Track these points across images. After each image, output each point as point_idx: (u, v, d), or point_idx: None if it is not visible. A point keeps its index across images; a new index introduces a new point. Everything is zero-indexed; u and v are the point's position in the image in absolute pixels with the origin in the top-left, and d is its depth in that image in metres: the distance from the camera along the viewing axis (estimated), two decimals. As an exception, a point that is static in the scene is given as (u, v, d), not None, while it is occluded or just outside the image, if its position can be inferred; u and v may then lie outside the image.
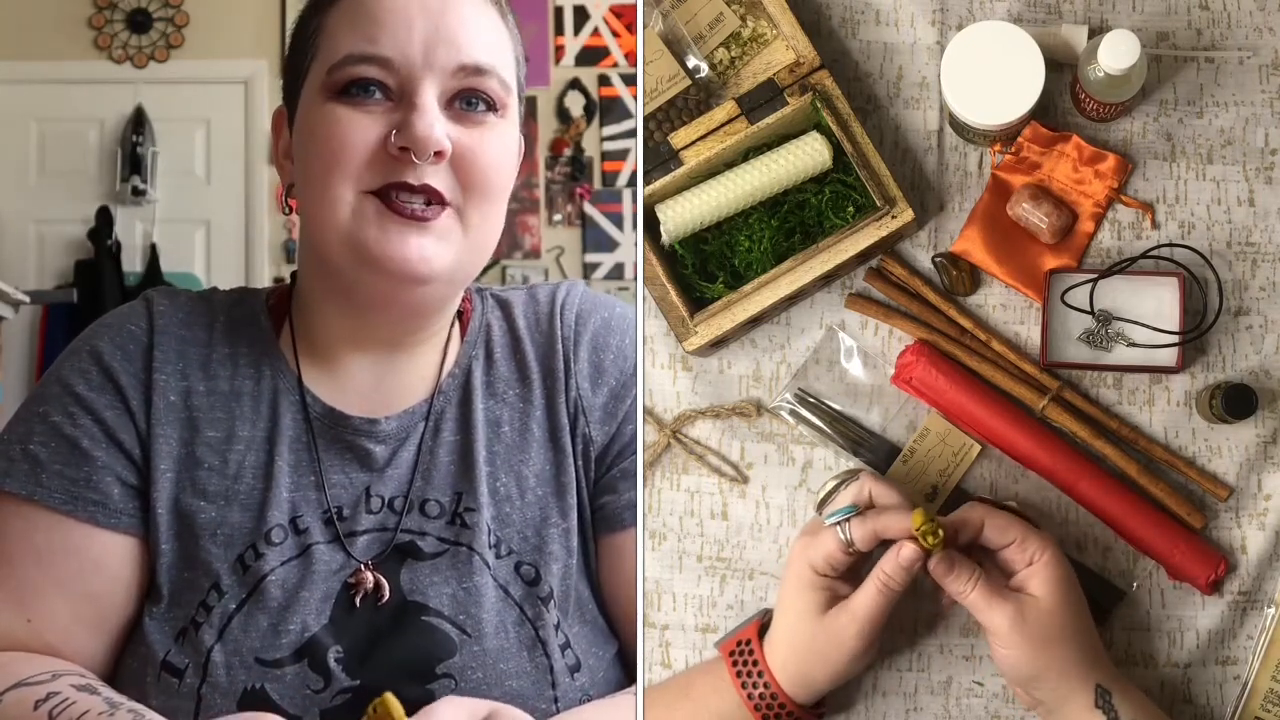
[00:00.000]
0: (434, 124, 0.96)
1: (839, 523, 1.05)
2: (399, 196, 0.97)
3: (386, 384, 1.07)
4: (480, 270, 1.06)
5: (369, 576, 1.00)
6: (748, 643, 1.09)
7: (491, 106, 1.00)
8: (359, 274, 1.00)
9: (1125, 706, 1.04)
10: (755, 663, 1.08)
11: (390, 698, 0.84)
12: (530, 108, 3.89)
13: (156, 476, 1.01)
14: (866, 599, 1.05)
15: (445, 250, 0.99)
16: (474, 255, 1.02)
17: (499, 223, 1.04)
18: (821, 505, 1.12)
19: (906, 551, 1.03)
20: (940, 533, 1.03)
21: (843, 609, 1.06)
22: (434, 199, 0.98)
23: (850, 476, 1.12)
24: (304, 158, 1.01)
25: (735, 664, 1.09)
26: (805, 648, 1.07)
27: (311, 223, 1.01)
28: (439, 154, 0.96)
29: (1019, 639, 1.03)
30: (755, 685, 1.07)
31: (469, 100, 0.99)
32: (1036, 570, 1.05)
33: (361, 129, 0.97)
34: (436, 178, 0.97)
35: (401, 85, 0.97)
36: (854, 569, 1.08)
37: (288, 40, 1.06)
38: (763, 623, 1.12)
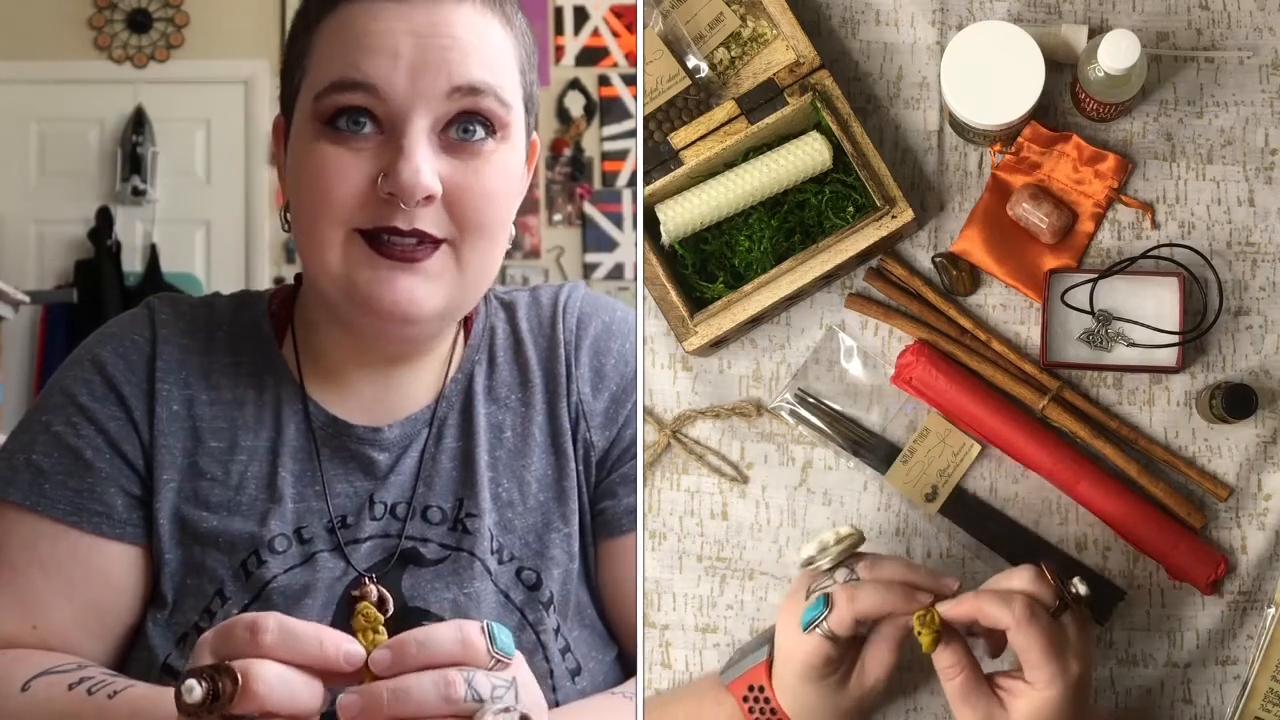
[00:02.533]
0: (420, 169, 0.92)
1: (815, 625, 1.00)
2: (390, 239, 0.94)
3: (390, 392, 1.06)
4: (479, 298, 1.04)
5: (373, 590, 0.99)
6: (761, 689, 1.06)
7: (490, 129, 0.96)
8: (351, 311, 0.99)
9: None
10: (774, 711, 1.05)
11: (365, 605, 0.83)
12: (530, 108, 3.89)
13: (160, 487, 1.00)
14: (884, 662, 1.03)
15: (437, 291, 0.96)
16: (469, 291, 1.00)
17: (498, 256, 1.01)
18: (808, 564, 1.05)
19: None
20: (939, 633, 0.98)
21: (861, 681, 1.03)
22: (426, 239, 0.95)
23: (840, 544, 1.03)
24: (295, 192, 0.98)
25: (751, 710, 1.06)
26: (832, 714, 1.05)
27: (305, 259, 0.99)
28: (429, 198, 0.93)
29: None
30: None
31: (465, 126, 0.95)
32: (1030, 695, 0.97)
33: (350, 172, 0.93)
34: (428, 220, 0.94)
35: (390, 115, 0.93)
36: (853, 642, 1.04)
37: (282, 52, 1.01)
38: (770, 661, 1.08)
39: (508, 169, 0.98)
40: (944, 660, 0.99)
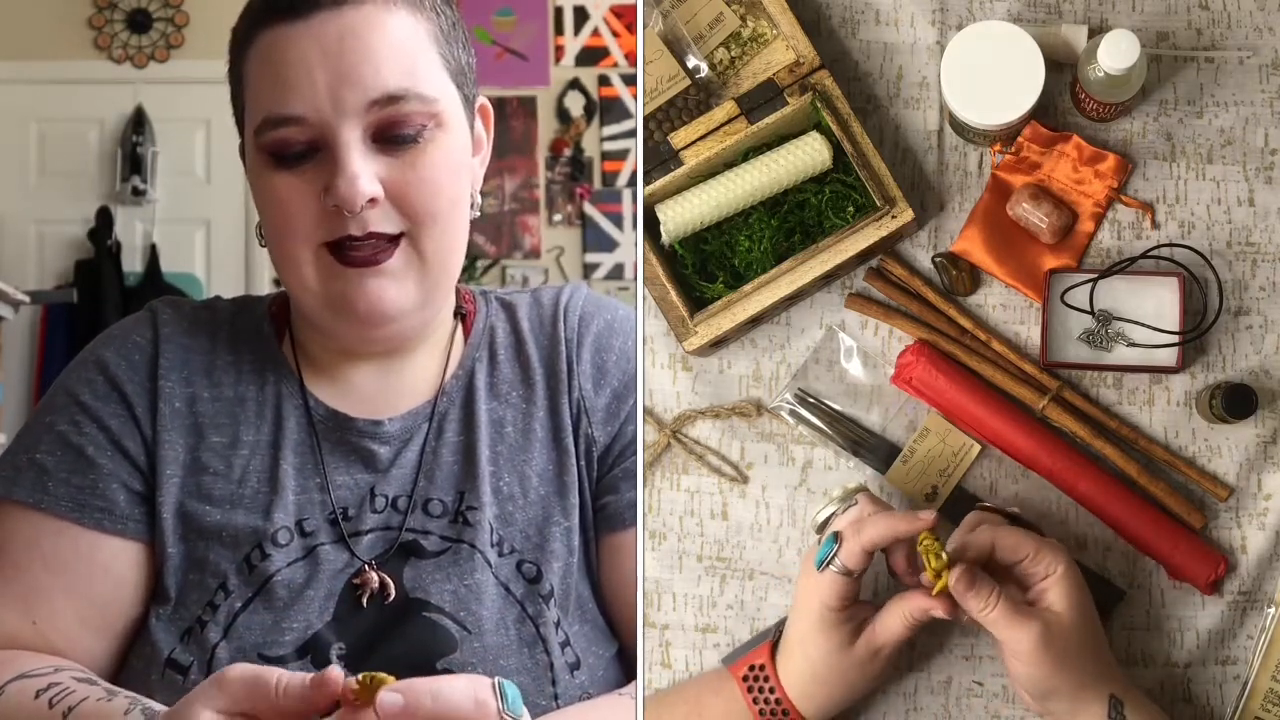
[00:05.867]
0: (355, 178, 0.96)
1: (828, 562, 1.04)
2: (350, 247, 0.98)
3: (389, 387, 1.08)
4: (452, 283, 1.07)
5: (374, 576, 1.00)
6: (761, 667, 1.08)
7: (420, 124, 0.99)
8: (332, 320, 1.03)
9: (1137, 717, 1.03)
10: (773, 690, 1.07)
11: (380, 676, 0.81)
12: (530, 108, 3.90)
13: (162, 482, 1.02)
14: (893, 631, 1.06)
15: (406, 288, 1.00)
16: (439, 277, 1.03)
17: (460, 237, 1.04)
18: (821, 528, 1.10)
19: (938, 612, 1.04)
20: (944, 555, 1.02)
21: (869, 641, 1.06)
22: (382, 239, 0.99)
23: (847, 498, 1.10)
24: (261, 217, 1.03)
25: (750, 689, 1.08)
26: (833, 681, 1.07)
27: (283, 276, 1.04)
28: (372, 200, 0.97)
29: (1042, 657, 1.01)
30: (774, 714, 1.07)
31: (394, 125, 0.98)
32: (1053, 584, 1.03)
33: (297, 194, 0.98)
34: (379, 221, 0.98)
35: (321, 135, 0.97)
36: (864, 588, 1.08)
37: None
38: (773, 643, 1.10)
39: (448, 153, 1.01)
40: (975, 603, 1.02)
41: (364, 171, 0.97)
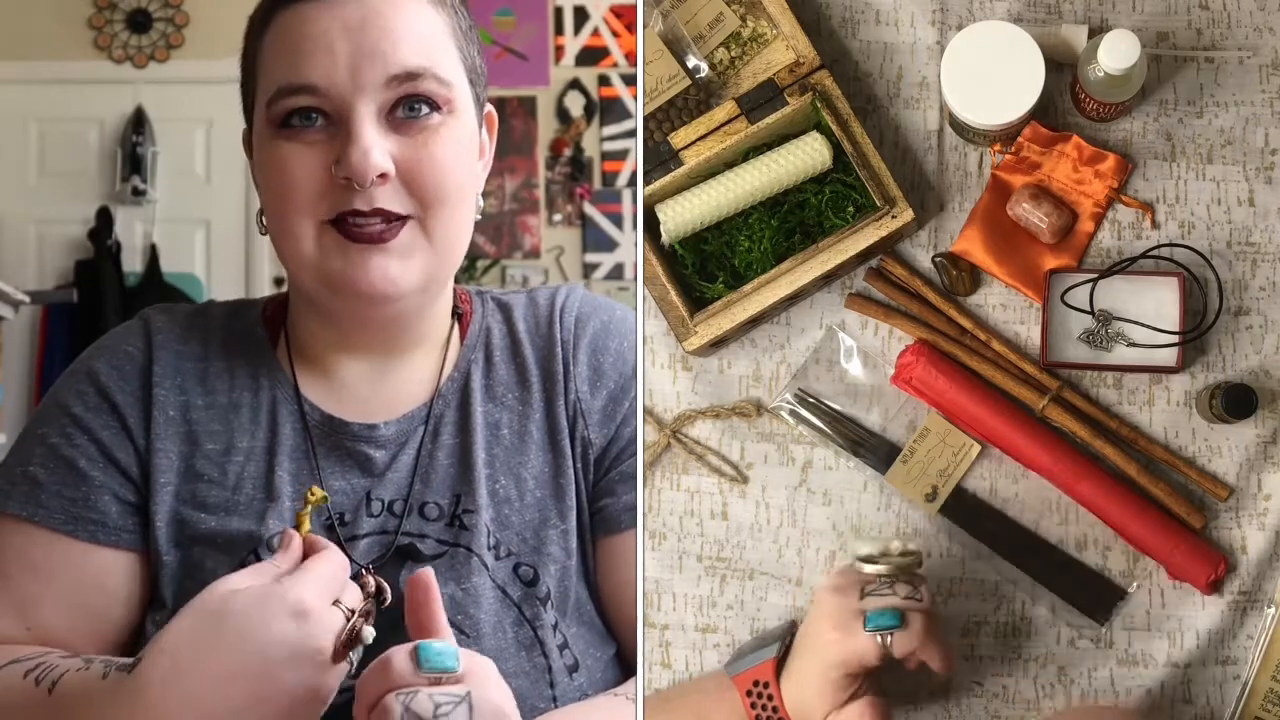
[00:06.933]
0: (369, 151, 0.96)
1: (882, 633, 1.02)
2: (355, 222, 0.98)
3: (384, 389, 1.07)
4: (454, 270, 1.06)
5: (370, 581, 1.00)
6: (766, 684, 1.08)
7: (434, 106, 0.99)
8: (331, 299, 1.02)
9: None
10: (775, 709, 1.07)
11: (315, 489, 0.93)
12: (530, 108, 3.90)
13: (156, 490, 1.01)
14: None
15: (410, 267, 1.00)
16: (444, 261, 1.03)
17: (467, 224, 1.04)
18: (866, 561, 1.06)
19: None
20: None
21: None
22: (390, 218, 0.98)
23: (902, 562, 1.05)
24: (262, 191, 1.02)
25: (754, 705, 1.08)
26: None
27: (281, 253, 1.03)
28: (382, 176, 0.97)
29: None
30: None
31: (410, 105, 0.98)
32: None
33: (306, 164, 0.97)
34: (387, 198, 0.97)
35: (336, 108, 0.97)
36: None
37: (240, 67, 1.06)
38: (778, 659, 1.09)
39: (458, 141, 1.01)
40: None
41: (377, 145, 0.96)
